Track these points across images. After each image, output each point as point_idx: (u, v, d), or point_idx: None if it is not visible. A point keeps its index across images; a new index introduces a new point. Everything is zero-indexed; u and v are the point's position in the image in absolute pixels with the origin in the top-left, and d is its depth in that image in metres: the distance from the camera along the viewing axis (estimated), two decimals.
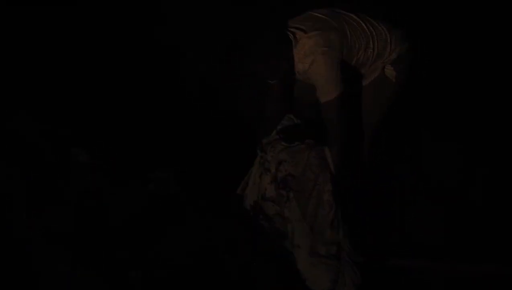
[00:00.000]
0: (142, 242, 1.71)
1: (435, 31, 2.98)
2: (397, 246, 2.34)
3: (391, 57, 2.23)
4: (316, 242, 2.01)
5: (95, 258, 1.58)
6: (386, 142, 2.63)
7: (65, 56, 2.72)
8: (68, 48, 2.76)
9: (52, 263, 1.52)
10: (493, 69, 2.94)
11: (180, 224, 1.83)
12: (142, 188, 1.94)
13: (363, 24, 2.20)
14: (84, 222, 1.70)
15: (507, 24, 2.99)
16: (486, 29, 3.04)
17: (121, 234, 1.70)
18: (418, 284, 2.22)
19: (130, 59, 2.93)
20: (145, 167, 2.09)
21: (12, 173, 1.83)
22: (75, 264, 1.53)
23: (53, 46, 2.72)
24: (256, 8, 3.09)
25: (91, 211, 1.73)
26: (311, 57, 2.09)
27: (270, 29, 2.21)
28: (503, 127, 2.78)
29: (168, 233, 1.78)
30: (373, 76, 2.29)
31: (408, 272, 2.23)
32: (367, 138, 2.38)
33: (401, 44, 2.23)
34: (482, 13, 3.05)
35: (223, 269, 1.76)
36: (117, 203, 1.80)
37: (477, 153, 2.70)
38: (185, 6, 3.12)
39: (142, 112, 2.69)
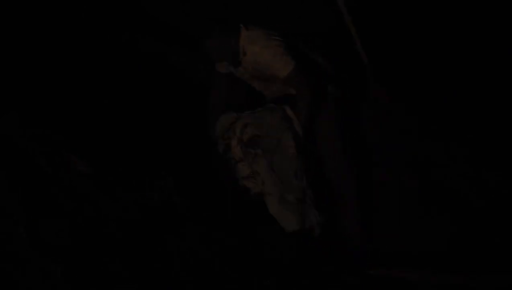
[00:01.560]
0: (140, 256, 1.68)
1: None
2: (398, 256, 2.34)
3: None
4: (284, 191, 2.33)
5: (90, 274, 1.55)
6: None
7: (61, 57, 2.69)
8: (64, 48, 2.74)
9: (44, 279, 1.49)
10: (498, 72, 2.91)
11: (180, 236, 1.81)
12: (144, 198, 1.91)
13: None
14: (80, 235, 1.66)
15: None
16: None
17: (119, 247, 1.67)
18: None
19: (130, 62, 2.91)
20: (145, 176, 2.07)
21: (3, 182, 1.79)
22: (69, 279, 1.50)
23: (48, 45, 2.69)
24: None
25: (88, 223, 1.70)
26: (258, 42, 2.45)
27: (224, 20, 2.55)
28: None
29: (167, 246, 1.75)
30: None
31: (410, 284, 2.20)
32: None
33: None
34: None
35: (223, 284, 1.73)
36: (116, 214, 1.77)
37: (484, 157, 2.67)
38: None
39: (142, 118, 2.67)
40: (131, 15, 3.01)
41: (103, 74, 2.83)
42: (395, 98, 2.78)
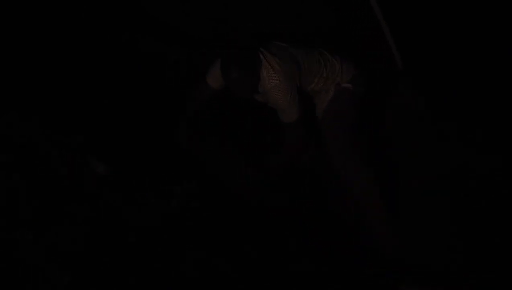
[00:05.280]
0: (159, 266, 1.66)
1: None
2: (426, 270, 2.31)
3: (344, 78, 2.57)
4: None
5: (100, 282, 1.52)
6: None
7: (79, 57, 2.67)
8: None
9: (49, 286, 1.46)
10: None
11: (199, 246, 1.79)
12: (164, 204, 1.89)
13: (317, 56, 2.54)
14: (95, 243, 1.64)
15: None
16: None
17: (134, 256, 1.65)
18: None
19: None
20: (166, 180, 2.04)
21: (17, 186, 1.75)
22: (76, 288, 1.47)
23: (65, 45, 2.67)
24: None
25: (105, 230, 1.68)
26: (274, 81, 2.36)
27: (245, 47, 2.44)
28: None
29: (185, 257, 1.73)
30: (328, 97, 2.57)
31: None
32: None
33: (352, 71, 2.59)
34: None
35: None
36: (134, 220, 1.75)
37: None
38: None
39: (162, 122, 2.66)
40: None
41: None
42: (430, 105, 2.72)
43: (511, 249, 2.27)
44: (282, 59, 2.41)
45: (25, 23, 2.68)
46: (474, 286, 2.19)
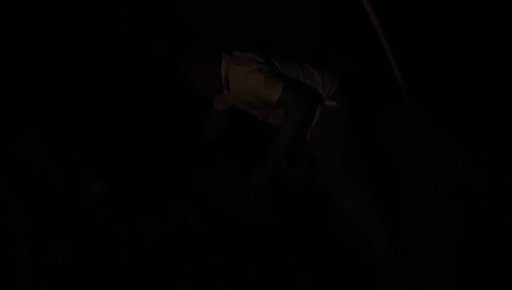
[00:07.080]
0: (157, 284, 1.64)
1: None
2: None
3: (326, 92, 2.47)
4: None
5: None
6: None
7: (79, 74, 2.64)
8: (84, 66, 2.68)
9: None
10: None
11: (197, 267, 1.77)
12: (161, 222, 1.87)
13: (294, 63, 2.46)
14: (93, 261, 1.61)
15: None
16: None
17: (134, 275, 1.62)
18: None
19: (153, 80, 2.87)
20: (163, 199, 2.02)
21: (13, 201, 1.73)
22: None
23: (67, 62, 2.64)
24: None
25: (101, 249, 1.65)
26: (242, 69, 2.30)
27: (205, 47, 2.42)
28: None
29: (183, 278, 1.71)
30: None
31: None
32: None
33: (336, 86, 2.48)
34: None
35: None
36: (132, 240, 1.73)
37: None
38: None
39: (162, 141, 2.63)
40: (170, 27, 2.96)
41: (125, 96, 2.78)
42: (432, 123, 2.67)
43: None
44: (246, 56, 2.38)
45: (24, 29, 2.66)
46: None
